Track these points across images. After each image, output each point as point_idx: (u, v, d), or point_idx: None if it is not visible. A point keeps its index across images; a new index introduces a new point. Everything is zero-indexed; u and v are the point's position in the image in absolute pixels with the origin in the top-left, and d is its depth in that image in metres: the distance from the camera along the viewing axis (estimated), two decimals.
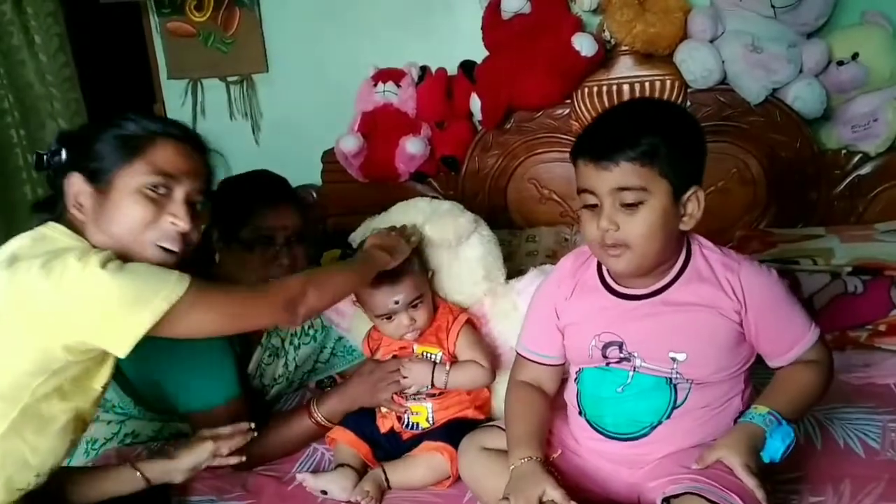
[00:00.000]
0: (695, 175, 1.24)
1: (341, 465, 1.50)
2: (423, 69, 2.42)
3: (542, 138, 2.38)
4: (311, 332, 1.83)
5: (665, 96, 2.24)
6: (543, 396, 1.41)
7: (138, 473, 1.36)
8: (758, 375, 1.33)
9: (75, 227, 1.22)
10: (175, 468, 1.39)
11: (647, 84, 2.26)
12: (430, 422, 1.57)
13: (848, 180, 2.25)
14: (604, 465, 1.31)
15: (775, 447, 1.16)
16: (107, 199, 1.21)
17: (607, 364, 1.30)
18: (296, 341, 1.81)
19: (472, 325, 1.62)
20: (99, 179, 1.22)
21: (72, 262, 1.10)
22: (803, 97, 2.15)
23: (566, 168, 2.34)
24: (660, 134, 1.19)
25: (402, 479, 1.47)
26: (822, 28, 2.22)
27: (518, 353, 1.46)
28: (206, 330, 1.23)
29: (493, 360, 1.60)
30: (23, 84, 2.54)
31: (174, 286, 1.13)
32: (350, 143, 2.39)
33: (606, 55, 2.26)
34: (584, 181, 1.24)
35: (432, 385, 1.54)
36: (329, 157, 2.52)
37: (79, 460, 1.61)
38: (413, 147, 2.37)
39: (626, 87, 2.27)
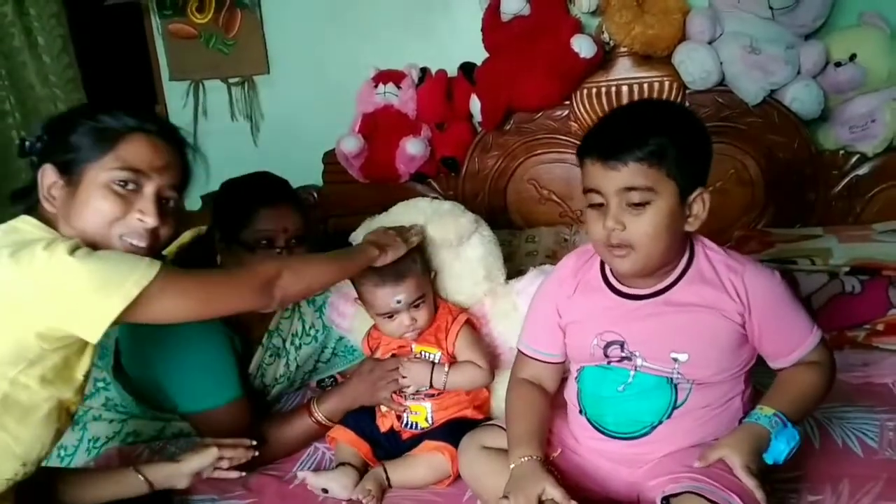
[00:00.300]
0: (701, 176, 1.25)
1: (342, 463, 1.51)
2: (424, 71, 2.43)
3: (542, 139, 2.38)
4: (313, 332, 1.84)
5: (663, 97, 2.24)
6: (544, 394, 1.41)
7: (142, 478, 1.35)
8: (758, 376, 1.34)
9: (47, 220, 1.21)
10: (179, 472, 1.38)
11: (645, 85, 2.26)
12: (429, 421, 1.57)
13: (846, 181, 2.24)
14: (603, 464, 1.32)
15: (779, 449, 1.16)
16: (76, 192, 1.20)
17: (608, 363, 1.30)
18: (297, 341, 1.81)
19: (472, 326, 1.63)
20: (70, 171, 1.20)
21: (39, 251, 1.09)
22: (801, 98, 2.15)
23: (565, 169, 2.37)
24: (668, 135, 1.20)
25: (402, 478, 1.48)
26: (820, 29, 2.22)
27: (519, 351, 1.47)
28: (180, 315, 1.20)
29: (492, 360, 1.60)
30: (24, 86, 2.54)
31: (144, 270, 1.12)
32: (351, 144, 2.39)
33: (605, 57, 2.27)
34: (591, 180, 1.24)
35: (431, 385, 1.54)
36: (330, 157, 2.52)
37: (80, 458, 1.61)
38: (413, 148, 2.37)
39: (624, 89, 2.28)
